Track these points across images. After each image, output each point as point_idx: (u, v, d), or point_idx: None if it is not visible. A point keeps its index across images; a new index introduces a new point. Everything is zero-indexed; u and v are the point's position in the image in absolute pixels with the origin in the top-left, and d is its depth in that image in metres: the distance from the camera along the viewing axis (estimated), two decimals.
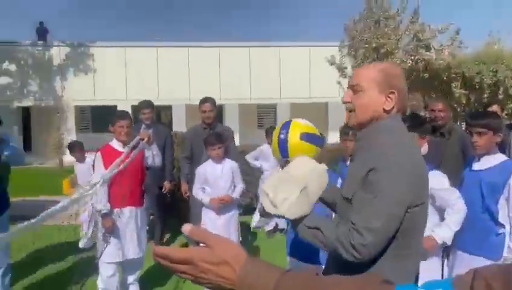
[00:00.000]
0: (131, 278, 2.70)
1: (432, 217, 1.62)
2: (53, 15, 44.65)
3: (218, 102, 3.65)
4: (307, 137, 1.20)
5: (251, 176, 4.12)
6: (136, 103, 4.17)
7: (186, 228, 0.48)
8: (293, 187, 1.01)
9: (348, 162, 2.36)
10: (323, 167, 1.15)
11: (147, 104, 3.58)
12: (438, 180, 1.72)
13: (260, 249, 3.64)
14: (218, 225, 2.59)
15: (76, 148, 4.00)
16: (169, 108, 13.18)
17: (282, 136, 1.22)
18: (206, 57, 12.89)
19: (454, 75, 7.85)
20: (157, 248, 0.47)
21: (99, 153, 2.50)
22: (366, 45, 8.65)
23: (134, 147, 2.30)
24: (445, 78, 8.01)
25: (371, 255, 0.90)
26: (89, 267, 2.91)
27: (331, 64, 9.78)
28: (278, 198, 1.00)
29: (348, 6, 19.61)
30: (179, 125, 11.24)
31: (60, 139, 10.37)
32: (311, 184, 1.05)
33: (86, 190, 1.78)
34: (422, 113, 3.44)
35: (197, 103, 3.34)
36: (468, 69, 7.81)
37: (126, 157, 2.14)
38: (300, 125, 1.24)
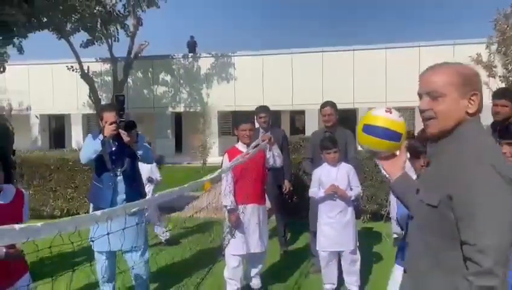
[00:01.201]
0: (254, 271, 3.10)
1: None
2: (202, 28, 53.35)
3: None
4: (367, 129, 1.30)
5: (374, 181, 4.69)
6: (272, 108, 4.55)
7: None
8: None
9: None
10: None
11: (263, 109, 3.95)
12: None
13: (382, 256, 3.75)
14: (334, 227, 2.79)
15: None
16: (302, 113, 13.93)
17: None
18: (341, 64, 13.14)
19: None
20: None
21: (226, 154, 2.99)
22: None
23: (255, 147, 2.81)
24: None
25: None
26: (217, 256, 3.41)
27: (477, 63, 9.47)
28: None
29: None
30: (313, 129, 10.90)
31: (204, 141, 11.53)
32: None
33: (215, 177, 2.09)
34: None
35: None
36: None
37: (246, 154, 2.66)
38: (366, 117, 1.35)
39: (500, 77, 10.09)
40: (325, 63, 13.33)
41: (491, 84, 8.01)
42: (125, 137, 2.61)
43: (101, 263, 2.87)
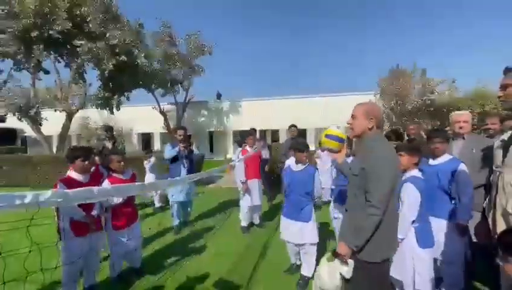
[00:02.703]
0: (256, 215, 4.81)
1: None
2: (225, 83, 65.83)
3: None
4: (328, 136, 2.04)
5: None
6: None
7: None
8: None
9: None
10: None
11: (252, 132, 5.38)
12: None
13: None
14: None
15: None
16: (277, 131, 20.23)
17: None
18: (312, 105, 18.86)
19: (451, 108, 10.97)
20: None
21: (241, 152, 4.66)
22: None
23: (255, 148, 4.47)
24: (444, 110, 11.16)
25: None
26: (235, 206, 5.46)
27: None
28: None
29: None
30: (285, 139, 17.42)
31: (225, 146, 19.29)
32: None
33: (233, 164, 4.04)
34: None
35: None
36: (462, 104, 10.74)
37: (251, 152, 4.52)
38: (327, 130, 2.05)
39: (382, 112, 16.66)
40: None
41: None
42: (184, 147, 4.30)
43: (174, 207, 4.63)
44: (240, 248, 4.08)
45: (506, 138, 2.02)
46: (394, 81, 13.14)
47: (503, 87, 1.90)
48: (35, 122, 13.03)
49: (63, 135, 13.96)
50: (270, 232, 4.63)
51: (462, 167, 2.52)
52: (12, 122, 15.14)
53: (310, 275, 3.05)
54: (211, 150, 21.41)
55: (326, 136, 2.08)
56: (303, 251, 3.12)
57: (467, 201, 2.46)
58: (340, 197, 3.06)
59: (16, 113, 12.55)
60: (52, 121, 14.25)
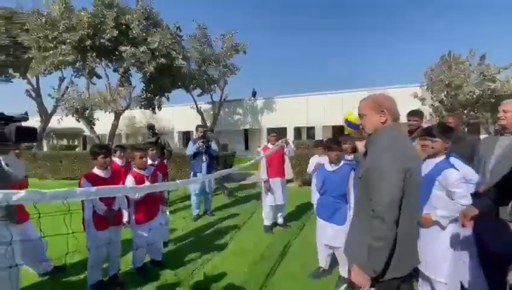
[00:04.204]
0: (279, 214, 4.68)
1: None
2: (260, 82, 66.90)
3: None
4: (348, 123, 2.06)
5: None
6: None
7: None
8: None
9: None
10: None
11: (272, 131, 5.30)
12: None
13: None
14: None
15: None
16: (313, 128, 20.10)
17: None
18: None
19: None
20: None
21: (261, 149, 4.69)
22: None
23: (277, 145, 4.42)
24: None
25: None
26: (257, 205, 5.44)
27: (414, 97, 13.39)
28: None
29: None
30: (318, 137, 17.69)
31: (259, 143, 19.84)
32: None
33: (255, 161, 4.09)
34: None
35: None
36: None
37: (272, 150, 4.41)
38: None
39: (430, 105, 14.00)
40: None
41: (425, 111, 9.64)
42: (202, 144, 4.72)
43: (193, 199, 5.23)
44: (261, 247, 4.01)
45: None
46: (446, 70, 11.93)
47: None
48: (89, 122, 14.58)
49: (112, 134, 15.41)
50: (294, 233, 4.52)
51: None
52: (72, 122, 16.91)
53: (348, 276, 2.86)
54: (246, 147, 22.42)
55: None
56: (337, 253, 2.98)
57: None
58: None
59: (74, 115, 14.14)
60: (103, 121, 16.01)
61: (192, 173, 5.23)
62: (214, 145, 5.20)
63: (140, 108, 16.68)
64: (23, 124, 1.73)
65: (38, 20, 13.43)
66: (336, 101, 19.37)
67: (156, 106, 16.39)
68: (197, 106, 19.80)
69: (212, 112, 20.75)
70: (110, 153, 3.05)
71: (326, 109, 19.50)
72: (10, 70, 16.47)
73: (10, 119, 1.70)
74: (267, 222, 4.66)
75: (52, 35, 13.18)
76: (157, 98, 16.22)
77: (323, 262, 3.14)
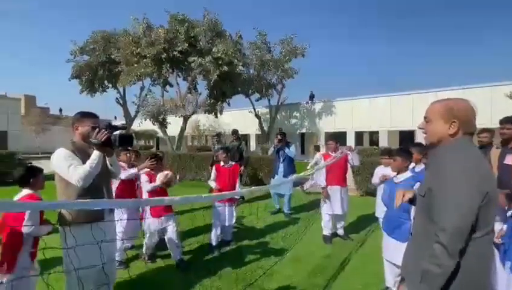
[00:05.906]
0: (339, 225, 4.48)
1: None
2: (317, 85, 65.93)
3: None
4: None
5: None
6: None
7: None
8: None
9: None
10: None
11: (331, 136, 4.98)
12: None
13: None
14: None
15: None
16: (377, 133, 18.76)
17: None
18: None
19: None
20: None
21: (322, 157, 4.62)
22: None
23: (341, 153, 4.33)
24: None
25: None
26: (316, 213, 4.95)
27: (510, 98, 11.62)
28: None
29: None
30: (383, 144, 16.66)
31: (317, 147, 19.28)
32: None
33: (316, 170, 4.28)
34: None
35: None
36: None
37: (333, 157, 4.21)
38: None
39: None
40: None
41: None
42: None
43: (274, 197, 5.89)
44: (318, 257, 3.83)
45: None
46: None
47: None
48: (163, 125, 16.48)
49: (181, 136, 17.15)
50: (354, 247, 4.25)
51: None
52: (147, 125, 19.37)
53: None
54: (302, 151, 21.74)
55: None
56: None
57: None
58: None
59: (151, 119, 16.16)
60: (173, 124, 17.74)
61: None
62: (289, 150, 5.64)
63: (205, 113, 18.24)
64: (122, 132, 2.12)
65: (126, 38, 15.83)
66: (407, 102, 17.46)
67: (218, 111, 17.74)
68: (254, 110, 20.47)
69: (269, 116, 21.26)
70: (129, 151, 3.83)
71: (393, 111, 18.03)
72: (105, 82, 19.75)
73: (115, 128, 2.07)
74: (326, 232, 4.44)
75: (136, 51, 15.41)
76: (219, 103, 17.54)
77: (391, 282, 2.85)
